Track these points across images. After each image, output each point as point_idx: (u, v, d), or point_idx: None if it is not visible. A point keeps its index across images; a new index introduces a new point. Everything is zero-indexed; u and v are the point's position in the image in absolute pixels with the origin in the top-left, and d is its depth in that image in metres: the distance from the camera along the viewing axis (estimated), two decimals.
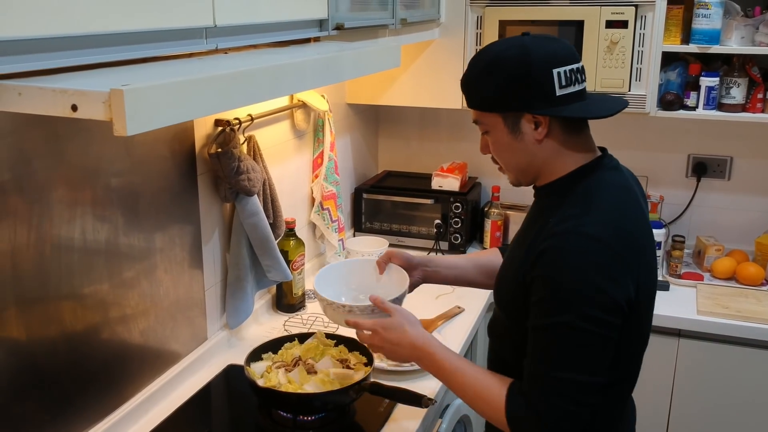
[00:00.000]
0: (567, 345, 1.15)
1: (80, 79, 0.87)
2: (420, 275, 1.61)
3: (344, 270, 1.66)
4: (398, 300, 1.48)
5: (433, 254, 1.71)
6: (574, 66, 1.21)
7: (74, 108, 0.78)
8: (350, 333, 1.85)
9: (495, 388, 1.25)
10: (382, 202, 2.72)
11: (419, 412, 1.62)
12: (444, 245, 2.60)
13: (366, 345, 1.44)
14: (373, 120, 2.93)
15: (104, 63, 0.97)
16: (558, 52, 1.20)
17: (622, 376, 1.30)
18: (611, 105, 1.25)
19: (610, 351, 1.18)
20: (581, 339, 1.14)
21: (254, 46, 1.35)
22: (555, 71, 1.18)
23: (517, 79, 1.19)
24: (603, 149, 1.32)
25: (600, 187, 1.23)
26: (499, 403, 1.22)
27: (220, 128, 1.78)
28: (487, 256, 1.67)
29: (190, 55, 1.18)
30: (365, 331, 1.42)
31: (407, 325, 1.39)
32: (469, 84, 1.27)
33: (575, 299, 1.14)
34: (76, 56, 0.90)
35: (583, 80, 1.24)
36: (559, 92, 1.19)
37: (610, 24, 2.25)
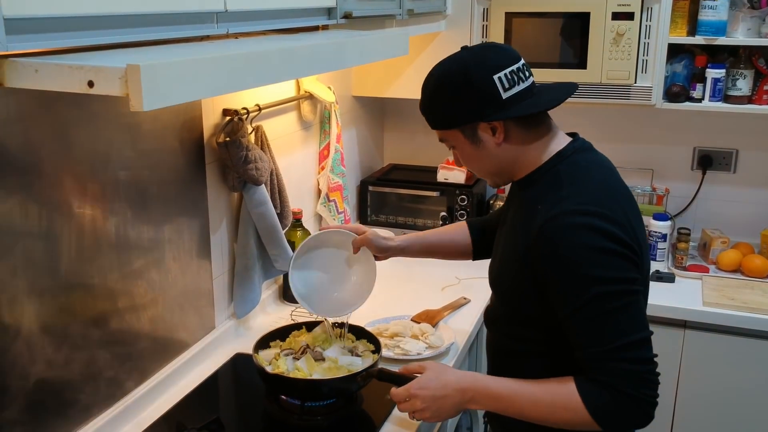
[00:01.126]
0: (608, 313, 1.17)
1: (95, 58, 0.87)
2: (389, 256, 1.69)
3: (318, 254, 1.69)
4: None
5: (409, 234, 1.74)
6: (514, 67, 1.25)
7: (90, 84, 0.79)
8: (357, 321, 1.86)
9: (562, 390, 1.22)
10: (388, 194, 2.72)
11: None
12: None
13: (411, 415, 1.39)
14: (379, 113, 2.93)
15: (117, 44, 0.98)
16: (494, 58, 1.25)
17: None
18: (559, 94, 1.29)
19: (642, 303, 1.25)
20: (617, 302, 1.17)
21: (264, 33, 1.36)
22: (495, 77, 1.23)
23: (462, 93, 1.25)
24: (574, 134, 1.35)
25: (580, 166, 1.27)
26: (575, 402, 1.19)
27: (228, 118, 1.78)
28: (456, 232, 1.73)
29: (202, 39, 1.18)
30: (404, 402, 1.38)
31: (443, 372, 1.36)
32: (424, 108, 1.34)
33: (593, 269, 1.16)
34: (90, 36, 0.91)
35: (528, 76, 1.28)
36: (505, 96, 1.23)
37: (616, 15, 2.25)
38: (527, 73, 1.27)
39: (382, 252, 1.66)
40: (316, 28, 1.56)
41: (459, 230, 1.73)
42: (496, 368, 1.45)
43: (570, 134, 1.35)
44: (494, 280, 1.41)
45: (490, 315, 1.47)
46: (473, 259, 1.75)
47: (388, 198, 2.73)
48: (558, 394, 1.22)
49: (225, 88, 0.93)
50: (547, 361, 1.31)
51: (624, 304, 1.18)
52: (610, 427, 1.21)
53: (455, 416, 1.41)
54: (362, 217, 2.74)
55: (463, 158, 1.35)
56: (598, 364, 1.18)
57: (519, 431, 1.35)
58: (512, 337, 1.37)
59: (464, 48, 1.30)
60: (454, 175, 2.66)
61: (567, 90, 1.30)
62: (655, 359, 1.21)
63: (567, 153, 1.29)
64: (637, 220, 1.29)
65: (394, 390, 1.39)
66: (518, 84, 1.24)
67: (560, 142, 1.31)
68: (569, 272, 1.18)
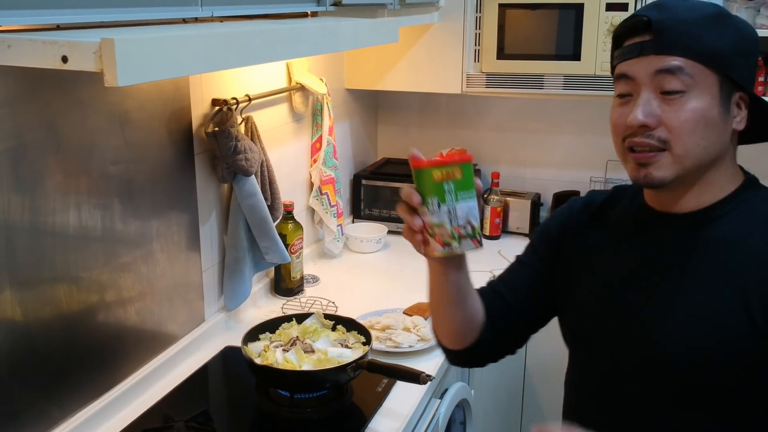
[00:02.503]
0: None
1: (72, 35, 0.85)
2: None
3: None
4: None
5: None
6: None
7: (65, 59, 0.77)
8: (349, 313, 1.84)
9: None
10: (381, 188, 2.70)
11: (417, 392, 1.61)
12: None
13: None
14: (372, 106, 2.91)
15: (96, 24, 0.96)
16: None
17: None
18: None
19: None
20: None
21: (250, 17, 1.34)
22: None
23: (750, 44, 0.99)
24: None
25: None
26: None
27: (217, 107, 1.76)
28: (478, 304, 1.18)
29: (186, 21, 1.16)
30: None
31: None
32: (686, 21, 0.95)
33: None
34: (67, 14, 0.89)
35: None
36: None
37: (611, 6, 2.23)
38: None
39: None
40: (305, 15, 1.54)
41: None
42: None
43: None
44: (690, 356, 0.97)
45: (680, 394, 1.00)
46: (480, 348, 1.19)
47: (382, 192, 2.71)
48: None
49: (205, 66, 0.91)
50: None
51: None
52: None
53: None
54: (356, 211, 2.72)
55: (694, 116, 0.95)
56: None
57: None
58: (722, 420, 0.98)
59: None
60: None
61: None
62: None
63: (753, 176, 1.05)
64: None
65: None
66: None
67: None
68: None
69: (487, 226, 2.63)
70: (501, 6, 2.33)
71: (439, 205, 0.94)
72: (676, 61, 0.94)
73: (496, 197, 2.63)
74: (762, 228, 0.98)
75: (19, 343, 1.28)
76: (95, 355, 1.48)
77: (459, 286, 1.10)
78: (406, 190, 0.96)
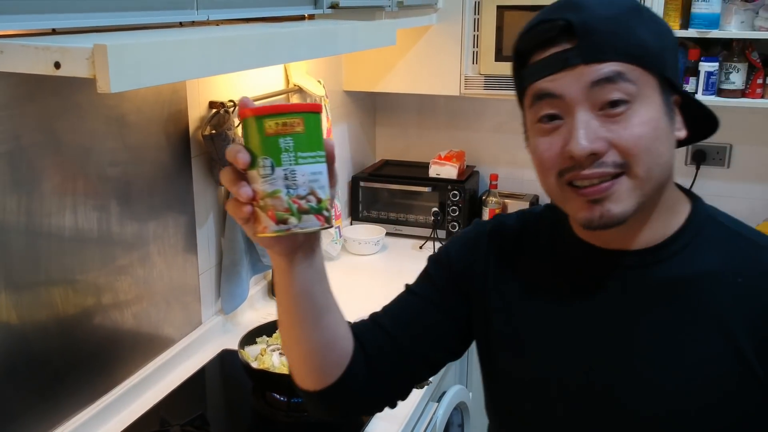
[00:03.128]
0: None
1: (65, 40, 0.85)
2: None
3: None
4: None
5: None
6: None
7: (57, 65, 0.76)
8: (346, 315, 1.83)
9: None
10: (379, 190, 2.70)
11: (415, 395, 1.60)
12: (442, 233, 2.58)
13: None
14: (371, 108, 2.91)
15: (91, 28, 0.95)
16: None
17: None
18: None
19: None
20: None
21: (247, 20, 1.33)
22: None
23: (673, 41, 0.84)
24: None
25: (727, 215, 0.90)
26: None
27: (214, 110, 1.76)
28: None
29: (181, 25, 1.16)
30: None
31: None
32: (620, 22, 0.79)
33: None
34: (61, 19, 0.88)
35: None
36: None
37: None
38: None
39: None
40: (302, 18, 1.53)
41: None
42: None
43: None
44: (679, 413, 0.81)
45: None
46: (344, 385, 0.92)
47: (380, 194, 2.71)
48: None
49: (201, 71, 0.91)
50: None
51: None
52: None
53: None
54: (354, 213, 2.71)
55: (641, 126, 0.77)
56: None
57: None
58: None
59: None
60: (446, 170, 2.63)
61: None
62: None
63: (695, 194, 0.90)
64: None
65: None
66: None
67: None
68: None
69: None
70: (499, 8, 2.33)
71: (272, 168, 0.70)
72: (613, 67, 0.76)
73: (494, 199, 2.63)
74: (727, 258, 0.83)
75: (15, 346, 1.28)
76: (91, 358, 1.47)
77: (309, 292, 0.83)
78: (232, 148, 0.72)
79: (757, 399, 0.79)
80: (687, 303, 0.82)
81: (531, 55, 0.81)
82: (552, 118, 0.80)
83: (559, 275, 0.89)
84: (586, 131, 0.76)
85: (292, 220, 0.71)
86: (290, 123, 0.70)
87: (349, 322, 0.94)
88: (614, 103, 0.76)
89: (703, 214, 0.86)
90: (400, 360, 0.94)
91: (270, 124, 0.70)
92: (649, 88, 0.78)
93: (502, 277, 0.93)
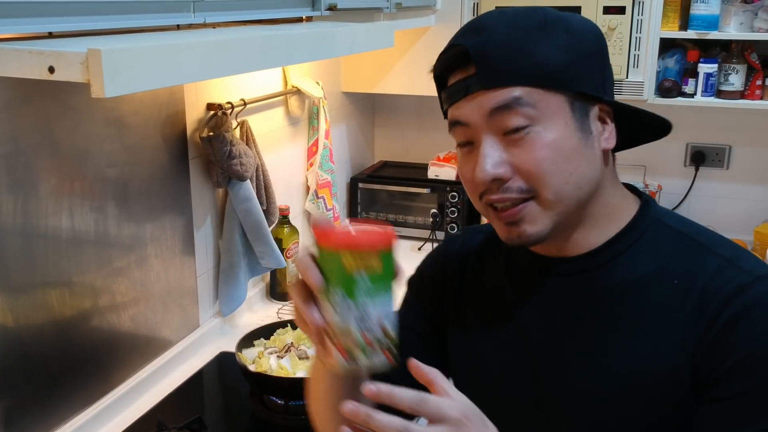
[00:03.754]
0: None
1: (61, 44, 0.84)
2: None
3: None
4: None
5: None
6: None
7: (51, 70, 0.76)
8: None
9: None
10: (378, 191, 2.69)
11: None
12: (440, 235, 2.57)
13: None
14: (369, 109, 2.90)
15: (86, 32, 0.95)
16: None
17: None
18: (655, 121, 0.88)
19: None
20: None
21: (244, 23, 1.33)
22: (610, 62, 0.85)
23: (592, 48, 0.82)
24: None
25: (680, 218, 0.88)
26: None
27: (212, 112, 1.76)
28: None
29: (178, 28, 1.16)
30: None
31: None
32: (511, 45, 0.79)
33: None
34: (56, 23, 0.88)
35: None
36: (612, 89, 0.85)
37: (608, 10, 2.23)
38: None
39: None
40: (299, 20, 1.53)
41: None
42: None
43: None
44: (601, 407, 0.83)
45: None
46: None
47: (379, 195, 2.70)
48: None
49: (196, 75, 0.90)
50: None
51: None
52: None
53: None
54: (352, 215, 2.71)
55: (544, 150, 0.78)
56: None
57: None
58: None
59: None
60: (445, 171, 2.63)
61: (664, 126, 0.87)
62: None
63: (647, 196, 0.89)
64: None
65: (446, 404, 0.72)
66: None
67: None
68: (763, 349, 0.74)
69: None
70: (498, 9, 2.32)
71: (345, 301, 0.68)
72: (510, 93, 0.77)
73: None
74: (668, 260, 0.81)
75: (11, 349, 1.28)
76: (88, 361, 1.47)
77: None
78: (303, 260, 0.70)
79: (689, 404, 0.78)
80: (623, 308, 0.81)
81: (446, 79, 0.82)
82: (466, 143, 0.81)
83: (511, 286, 0.90)
84: (489, 158, 0.77)
85: (362, 358, 0.69)
86: (369, 262, 0.68)
87: None
88: (515, 129, 0.77)
89: (648, 217, 0.85)
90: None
91: (349, 260, 0.68)
92: (553, 107, 0.78)
93: (465, 294, 0.94)
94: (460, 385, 0.91)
